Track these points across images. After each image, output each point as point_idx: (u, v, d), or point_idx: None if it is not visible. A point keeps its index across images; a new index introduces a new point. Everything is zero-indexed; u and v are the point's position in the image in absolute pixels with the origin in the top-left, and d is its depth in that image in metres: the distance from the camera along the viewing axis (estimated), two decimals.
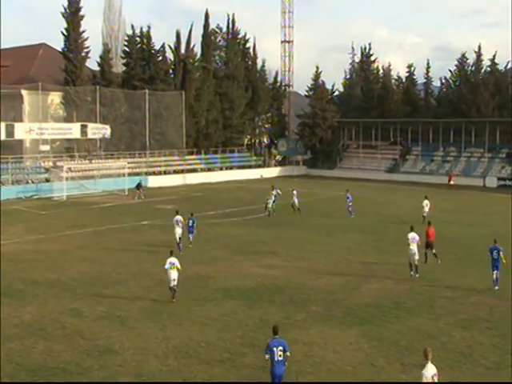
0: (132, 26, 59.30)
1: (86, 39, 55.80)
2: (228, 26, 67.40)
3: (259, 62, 70.93)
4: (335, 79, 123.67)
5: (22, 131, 48.60)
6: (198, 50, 63.54)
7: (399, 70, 72.79)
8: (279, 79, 72.92)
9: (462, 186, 53.16)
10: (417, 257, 21.60)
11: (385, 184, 55.80)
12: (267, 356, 11.64)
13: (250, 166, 64.36)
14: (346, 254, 25.83)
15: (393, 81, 71.42)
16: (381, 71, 72.06)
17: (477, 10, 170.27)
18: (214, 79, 63.50)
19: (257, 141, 74.52)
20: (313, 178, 62.32)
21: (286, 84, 72.70)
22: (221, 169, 61.91)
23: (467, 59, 65.16)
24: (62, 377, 13.39)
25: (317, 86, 71.14)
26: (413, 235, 21.81)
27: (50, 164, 49.25)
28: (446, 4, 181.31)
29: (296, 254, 25.74)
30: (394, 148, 66.46)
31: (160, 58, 60.45)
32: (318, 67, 72.50)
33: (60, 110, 55.32)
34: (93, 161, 51.35)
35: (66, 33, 54.74)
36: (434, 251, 23.39)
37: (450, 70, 66.68)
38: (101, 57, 57.71)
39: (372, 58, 72.80)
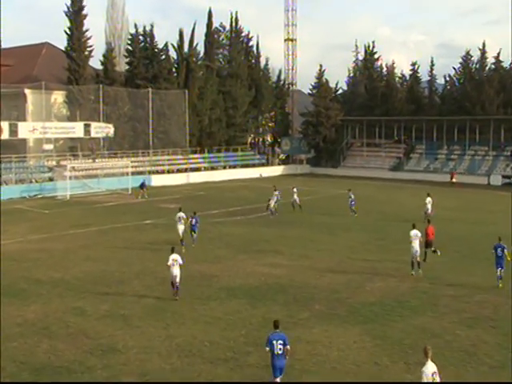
0: (135, 25, 59.51)
1: (89, 38, 55.90)
2: (231, 25, 67.41)
3: (262, 61, 71.03)
4: (339, 77, 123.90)
5: (25, 130, 48.65)
6: (201, 48, 63.73)
7: (403, 68, 72.88)
8: (283, 77, 72.99)
9: (467, 184, 53.07)
10: (418, 253, 21.62)
11: (389, 182, 55.69)
12: (267, 349, 11.99)
13: (253, 165, 64.34)
14: (349, 252, 25.78)
15: (397, 79, 71.24)
16: (384, 69, 71.95)
17: (480, 7, 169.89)
18: (217, 78, 63.48)
19: (260, 139, 74.49)
20: (316, 177, 62.25)
21: (290, 82, 72.69)
22: (224, 168, 61.88)
23: (471, 57, 64.97)
24: (65, 376, 13.39)
25: (320, 85, 71.03)
26: (415, 232, 21.83)
27: (54, 163, 49.33)
28: (450, 1, 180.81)
29: (299, 252, 25.70)
30: (397, 146, 66.38)
31: (163, 56, 60.48)
32: (321, 65, 72.47)
33: (63, 109, 55.40)
34: (96, 160, 51.37)
35: (69, 32, 54.81)
36: (432, 248, 23.36)
37: (454, 68, 66.53)
38: (104, 56, 57.78)
39: (376, 56, 72.68)
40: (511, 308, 17.79)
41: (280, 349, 11.90)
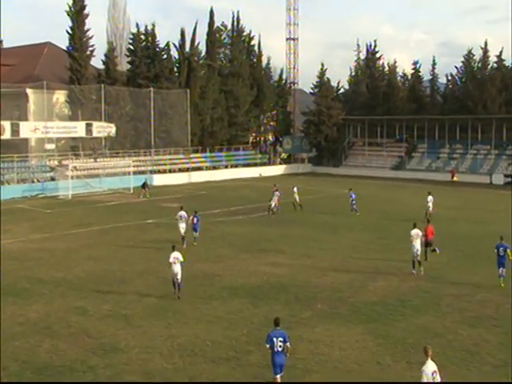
0: (137, 25, 59.45)
1: (91, 38, 55.87)
2: (233, 24, 67.37)
3: (264, 60, 70.96)
4: (340, 76, 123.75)
5: (27, 130, 48.68)
6: (202, 47, 63.61)
7: (405, 67, 72.02)
8: (284, 77, 72.91)
9: (468, 183, 53.02)
10: (419, 252, 21.64)
11: (390, 181, 55.65)
12: (268, 346, 12.08)
13: (255, 164, 64.33)
14: (351, 251, 25.75)
15: (398, 78, 71.12)
16: (386, 68, 71.82)
17: (483, 6, 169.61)
18: (218, 77, 63.45)
19: (262, 138, 74.45)
20: (318, 176, 62.22)
21: (291, 81, 72.62)
22: (226, 167, 61.85)
23: (473, 55, 64.82)
24: (67, 375, 13.40)
25: (322, 84, 70.99)
26: (416, 231, 21.85)
27: (56, 163, 49.35)
28: (452, 0, 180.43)
29: (301, 251, 25.69)
30: (399, 145, 66.28)
31: (165, 56, 60.45)
32: (323, 64, 72.48)
33: (65, 108, 55.42)
34: (98, 159, 51.40)
35: (70, 31, 54.77)
36: (432, 248, 23.33)
37: (456, 67, 66.42)
38: (105, 55, 57.76)
39: (377, 55, 72.59)
40: None
41: (280, 346, 12.01)
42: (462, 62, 65.59)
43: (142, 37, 59.63)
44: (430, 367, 10.71)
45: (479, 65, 64.82)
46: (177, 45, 61.26)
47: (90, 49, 56.03)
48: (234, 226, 32.03)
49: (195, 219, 27.00)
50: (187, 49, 61.43)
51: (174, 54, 61.48)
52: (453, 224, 32.39)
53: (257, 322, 16.66)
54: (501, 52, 63.11)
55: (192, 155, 59.79)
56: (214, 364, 13.94)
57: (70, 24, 54.60)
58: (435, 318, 17.11)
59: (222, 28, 68.33)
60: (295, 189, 37.49)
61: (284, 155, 72.47)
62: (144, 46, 59.51)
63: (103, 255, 25.17)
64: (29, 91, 53.63)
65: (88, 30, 55.47)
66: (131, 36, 59.54)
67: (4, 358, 14.25)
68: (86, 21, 55.25)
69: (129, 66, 59.73)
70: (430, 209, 33.38)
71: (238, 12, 67.22)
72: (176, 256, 18.89)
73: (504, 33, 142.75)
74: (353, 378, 13.30)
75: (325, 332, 15.94)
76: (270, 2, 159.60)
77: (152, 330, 16.08)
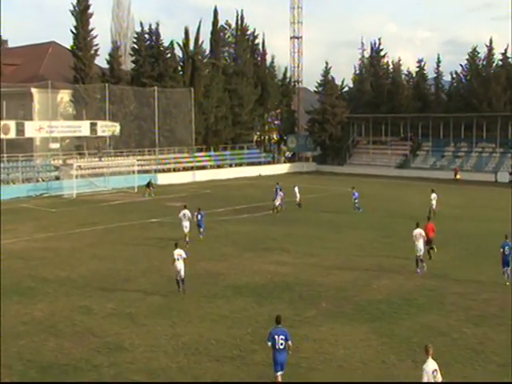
0: (141, 24, 59.48)
1: (95, 37, 55.99)
2: (237, 23, 67.31)
3: (268, 58, 70.86)
4: (345, 75, 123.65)
5: (32, 129, 48.78)
6: (206, 46, 63.64)
7: (409, 65, 71.93)
8: (288, 75, 72.74)
9: (473, 181, 52.88)
10: (422, 252, 21.63)
11: (395, 180, 55.56)
12: (269, 343, 12.12)
13: (259, 163, 64.29)
14: (355, 250, 25.72)
15: (403, 76, 70.98)
16: (391, 66, 71.68)
17: (487, 3, 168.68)
18: (223, 76, 63.43)
19: (266, 137, 74.41)
20: (322, 175, 62.14)
21: (296, 80, 72.48)
22: (230, 166, 61.83)
23: (478, 53, 64.58)
24: (72, 374, 13.43)
25: (326, 82, 70.86)
26: (419, 231, 21.82)
27: (60, 162, 49.45)
28: None
29: (306, 250, 25.67)
30: (404, 144, 66.15)
31: (169, 55, 60.46)
32: (327, 63, 72.24)
33: (69, 107, 55.54)
34: (102, 158, 51.48)
35: (75, 31, 54.89)
36: (430, 246, 23.26)
37: (461, 65, 66.19)
38: (110, 54, 57.86)
39: (382, 53, 72.43)
40: None
41: (282, 344, 12.05)
42: (467, 59, 65.37)
43: (146, 36, 59.69)
44: (431, 366, 10.71)
45: (484, 62, 64.60)
46: (181, 44, 61.28)
47: (95, 48, 56.17)
48: (238, 225, 32.02)
49: (199, 216, 27.52)
50: (191, 48, 61.43)
51: (178, 52, 61.58)
52: (457, 222, 32.31)
53: (261, 320, 16.65)
54: (506, 49, 62.91)
55: (196, 154, 59.83)
56: (218, 363, 13.94)
57: (75, 23, 54.72)
58: (440, 316, 17.06)
59: (226, 27, 68.36)
60: (296, 188, 37.61)
61: (288, 154, 72.40)
62: (148, 45, 59.55)
63: (107, 254, 25.21)
64: (33, 91, 53.78)
65: (92, 30, 55.65)
66: (135, 35, 59.60)
67: (9, 356, 14.29)
68: (91, 20, 55.42)
69: (133, 65, 59.76)
70: (434, 206, 33.36)
71: (241, 11, 67.27)
72: (179, 253, 19.17)
73: (509, 30, 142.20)
74: (357, 376, 13.27)
75: (329, 331, 15.92)
76: (274, 1, 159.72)
77: (156, 329, 16.10)
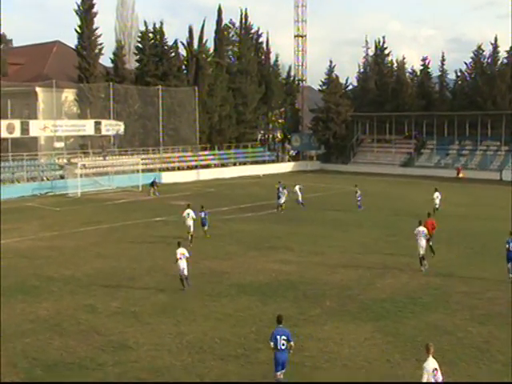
0: (145, 23, 59.62)
1: (99, 36, 56.15)
2: (241, 21, 67.39)
3: (272, 57, 71.00)
4: (349, 73, 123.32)
5: (36, 128, 48.97)
6: (210, 45, 63.73)
7: (413, 63, 72.30)
8: (292, 74, 72.77)
9: (478, 179, 52.69)
10: (423, 251, 21.57)
11: (399, 178, 55.44)
12: (272, 343, 12.11)
13: (263, 162, 64.27)
14: (360, 248, 25.68)
15: (407, 74, 70.86)
16: (395, 64, 71.54)
17: (491, 1, 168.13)
18: (227, 74, 63.45)
19: (270, 136, 74.37)
20: (327, 173, 62.07)
21: (300, 78, 72.42)
22: (234, 164, 61.87)
23: (483, 51, 64.39)
24: (77, 372, 13.45)
25: (330, 81, 70.76)
26: (422, 229, 21.78)
27: (65, 161, 49.56)
28: None
29: (310, 249, 25.64)
30: (408, 142, 65.99)
31: (173, 54, 60.53)
32: (331, 61, 72.23)
33: (74, 107, 55.70)
34: (107, 157, 51.53)
35: (79, 30, 55.04)
36: (430, 243, 23.21)
37: (466, 63, 66.02)
38: (114, 53, 57.96)
39: (386, 52, 72.29)
40: None
41: (283, 344, 12.04)
42: (472, 57, 65.18)
43: (150, 35, 59.78)
44: (431, 364, 10.70)
45: (489, 60, 64.40)
46: (185, 43, 61.43)
47: (99, 47, 56.32)
48: (243, 224, 32.01)
49: (202, 214, 27.59)
50: (195, 46, 61.54)
51: (182, 51, 61.73)
52: (462, 221, 32.21)
53: (265, 319, 16.62)
54: (511, 47, 62.60)
55: (200, 153, 59.85)
56: (222, 361, 13.93)
57: (79, 23, 54.84)
58: (445, 315, 17.01)
59: (229, 25, 68.42)
60: (297, 187, 37.62)
61: (292, 152, 72.33)
62: (152, 44, 59.63)
63: (112, 253, 25.24)
64: (38, 90, 53.96)
65: (96, 29, 55.78)
66: (139, 34, 59.71)
67: (14, 354, 14.34)
68: (95, 19, 55.56)
69: (137, 64, 59.88)
70: (437, 205, 33.31)
71: (245, 9, 67.42)
72: (182, 252, 19.27)
73: None
74: (362, 375, 13.25)
75: (334, 329, 15.89)
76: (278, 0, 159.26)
77: (161, 328, 16.11)
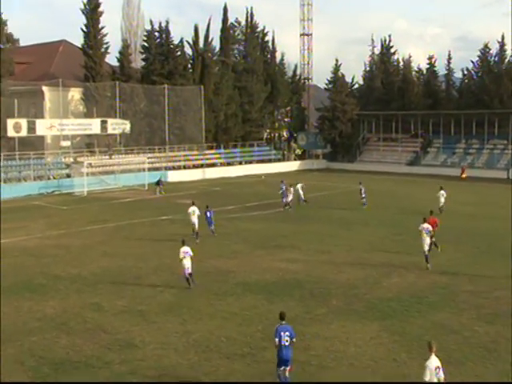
0: (151, 22, 59.62)
1: (106, 35, 56.18)
2: (247, 20, 67.33)
3: (278, 56, 70.86)
4: (355, 72, 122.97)
5: (43, 127, 49.14)
6: (216, 44, 63.71)
7: (420, 62, 72.12)
8: (298, 72, 72.68)
9: (485, 178, 52.47)
10: (426, 248, 21.58)
11: (405, 177, 55.29)
12: (277, 340, 12.13)
13: (269, 160, 64.26)
14: (367, 247, 25.62)
15: (413, 73, 70.62)
16: (401, 63, 71.36)
17: None
18: (232, 73, 63.44)
19: (276, 135, 74.33)
20: (333, 172, 62.00)
21: (306, 77, 72.40)
22: (240, 163, 61.88)
23: (490, 49, 64.08)
24: (84, 370, 13.49)
25: (336, 79, 70.65)
26: (426, 226, 21.80)
27: (71, 160, 49.71)
28: None
29: (316, 247, 25.61)
30: (414, 141, 65.80)
31: (179, 52, 60.55)
32: (337, 60, 72.05)
33: (80, 105, 55.81)
34: (113, 156, 51.67)
35: (85, 29, 55.12)
36: (433, 239, 23.14)
37: (472, 61, 65.72)
38: (120, 52, 58.01)
39: (392, 50, 72.13)
40: None
41: (287, 340, 12.10)
42: (478, 56, 64.89)
43: (156, 34, 59.82)
44: (434, 362, 10.69)
45: (496, 59, 64.08)
46: (191, 41, 61.38)
47: (105, 46, 56.37)
48: (249, 222, 32.00)
49: (208, 213, 27.52)
50: (201, 45, 61.54)
51: (188, 50, 61.71)
52: (469, 220, 32.09)
53: (272, 318, 16.56)
54: None
55: (206, 151, 59.88)
56: (228, 360, 13.94)
57: (85, 22, 54.93)
58: (451, 314, 16.95)
59: (235, 24, 68.34)
60: (299, 185, 37.67)
61: (298, 151, 72.27)
62: (158, 43, 59.68)
63: (118, 251, 25.30)
64: (45, 89, 54.11)
65: (102, 28, 55.82)
66: (145, 33, 59.76)
67: (21, 353, 14.40)
68: (101, 18, 55.59)
69: (143, 63, 59.93)
70: (442, 203, 33.24)
71: (251, 8, 67.29)
72: (186, 250, 19.35)
73: None
74: (368, 374, 13.22)
75: (340, 328, 15.87)
76: None
77: (167, 326, 16.13)
